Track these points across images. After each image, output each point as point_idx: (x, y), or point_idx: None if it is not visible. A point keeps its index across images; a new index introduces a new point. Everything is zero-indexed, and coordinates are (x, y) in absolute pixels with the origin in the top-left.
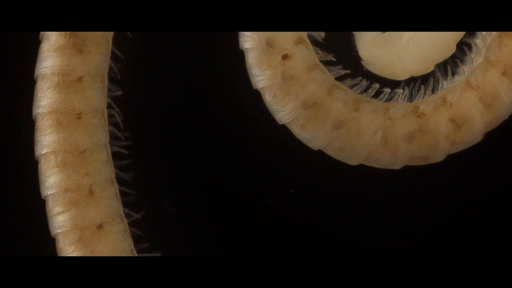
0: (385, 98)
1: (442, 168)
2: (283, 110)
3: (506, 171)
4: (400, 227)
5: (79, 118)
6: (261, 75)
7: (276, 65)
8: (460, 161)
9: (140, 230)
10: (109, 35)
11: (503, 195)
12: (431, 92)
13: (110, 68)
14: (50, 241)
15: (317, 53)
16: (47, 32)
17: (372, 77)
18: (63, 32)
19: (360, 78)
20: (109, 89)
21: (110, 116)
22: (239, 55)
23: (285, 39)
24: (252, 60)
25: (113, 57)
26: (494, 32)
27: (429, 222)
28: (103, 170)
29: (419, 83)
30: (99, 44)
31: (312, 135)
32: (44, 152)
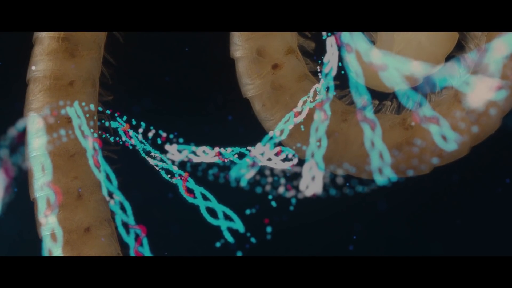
0: (373, 110)
1: (428, 180)
2: (272, 119)
3: (491, 185)
4: (383, 236)
5: (70, 122)
6: (251, 84)
7: (266, 75)
8: (446, 174)
9: None
10: (102, 40)
11: (487, 208)
12: (419, 105)
13: (102, 73)
14: (38, 243)
15: (306, 64)
16: (40, 36)
17: None
18: (56, 37)
19: (348, 89)
20: (100, 94)
21: (100, 120)
22: (230, 64)
23: (276, 48)
24: (243, 68)
25: (105, 62)
26: (483, 47)
27: (412, 233)
28: (92, 174)
29: (407, 96)
30: (91, 49)
31: (300, 145)
32: (34, 154)
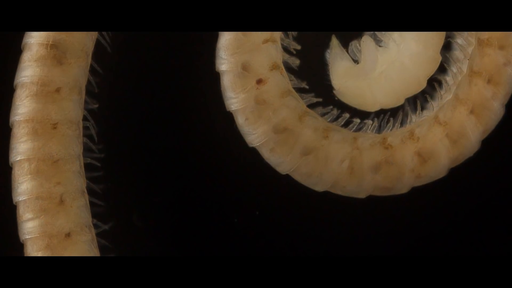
0: (354, 128)
1: (405, 200)
2: (254, 133)
3: (467, 207)
4: (361, 254)
5: (55, 128)
6: (234, 98)
7: (250, 89)
8: (423, 195)
9: (107, 241)
10: (89, 49)
11: (464, 229)
12: (399, 125)
13: (88, 81)
14: (19, 246)
15: (290, 80)
16: (29, 42)
17: (343, 107)
18: (45, 43)
19: (331, 107)
20: (85, 102)
21: (85, 128)
22: (215, 77)
23: (261, 64)
24: (227, 82)
25: (92, 70)
26: (464, 71)
27: (389, 251)
28: (74, 180)
29: (388, 116)
30: (79, 57)
31: (280, 160)
32: (18, 159)
